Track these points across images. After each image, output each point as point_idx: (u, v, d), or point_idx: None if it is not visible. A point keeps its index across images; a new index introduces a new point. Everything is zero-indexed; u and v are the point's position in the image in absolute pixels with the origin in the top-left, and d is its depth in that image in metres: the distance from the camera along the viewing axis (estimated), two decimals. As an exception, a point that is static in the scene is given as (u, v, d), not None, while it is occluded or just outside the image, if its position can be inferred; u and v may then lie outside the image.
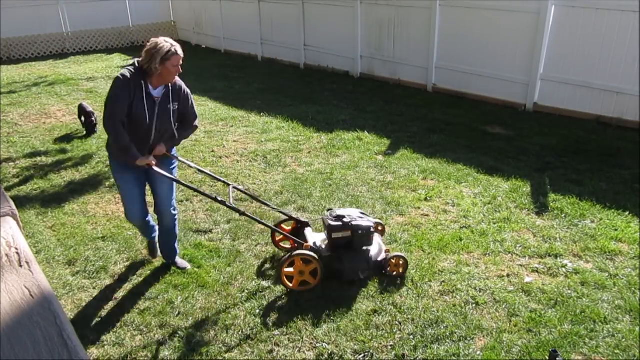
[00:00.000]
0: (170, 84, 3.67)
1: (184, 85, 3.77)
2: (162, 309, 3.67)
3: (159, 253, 4.29)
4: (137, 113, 3.52)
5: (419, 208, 5.00)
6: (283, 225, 4.37)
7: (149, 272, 4.14)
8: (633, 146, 6.33)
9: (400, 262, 3.91)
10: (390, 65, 9.87)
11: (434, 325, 3.41)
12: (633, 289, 3.70)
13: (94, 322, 3.57)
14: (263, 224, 4.07)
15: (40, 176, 6.14)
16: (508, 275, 3.92)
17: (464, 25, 8.44)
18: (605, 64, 7.00)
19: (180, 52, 3.59)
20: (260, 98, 9.30)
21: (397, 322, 3.46)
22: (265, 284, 3.92)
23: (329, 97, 9.19)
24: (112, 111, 3.47)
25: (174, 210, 4.07)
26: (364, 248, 3.86)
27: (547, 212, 4.82)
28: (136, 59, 3.68)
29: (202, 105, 8.98)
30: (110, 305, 3.75)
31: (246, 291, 3.84)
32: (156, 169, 3.65)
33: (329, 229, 3.79)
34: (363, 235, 3.79)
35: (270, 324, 3.48)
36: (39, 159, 6.73)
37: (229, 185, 4.11)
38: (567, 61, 7.37)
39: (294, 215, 4.33)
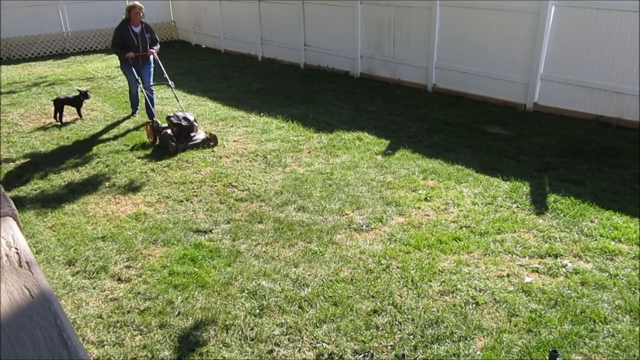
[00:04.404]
0: (142, 24, 7.72)
1: (150, 25, 7.90)
2: (162, 309, 3.67)
3: (137, 115, 8.47)
4: (128, 40, 7.60)
5: (419, 208, 5.00)
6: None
7: (149, 272, 4.14)
8: (633, 146, 6.33)
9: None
10: (390, 65, 9.87)
11: (434, 325, 3.41)
12: (633, 289, 3.70)
13: (94, 322, 3.57)
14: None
15: (40, 176, 6.14)
16: (508, 275, 3.92)
17: (464, 25, 8.44)
18: (605, 64, 7.00)
19: (137, 4, 7.59)
20: (260, 98, 9.30)
21: (397, 322, 3.46)
22: (265, 284, 3.92)
23: (329, 97, 9.19)
24: (114, 41, 7.78)
25: (152, 87, 8.12)
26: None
27: (547, 212, 4.82)
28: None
29: (202, 105, 8.98)
30: (110, 305, 3.75)
31: (246, 291, 3.84)
32: (132, 57, 7.66)
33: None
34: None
35: (270, 324, 3.48)
36: (39, 159, 6.73)
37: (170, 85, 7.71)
38: (567, 61, 7.37)
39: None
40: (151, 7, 16.02)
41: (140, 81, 7.66)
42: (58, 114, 8.17)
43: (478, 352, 3.18)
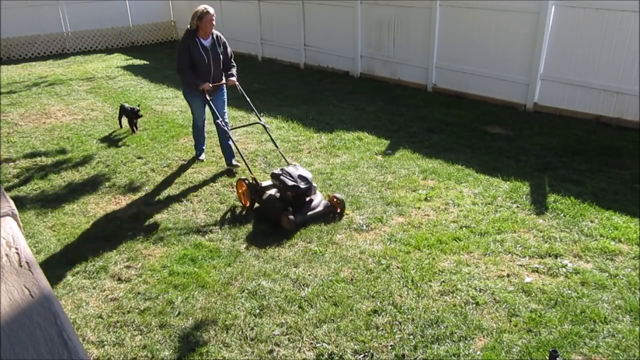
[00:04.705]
0: (213, 35, 5.70)
1: (222, 36, 5.88)
2: (162, 309, 3.67)
3: (203, 156, 6.46)
4: (197, 58, 5.61)
5: (419, 208, 5.00)
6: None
7: (149, 272, 4.14)
8: (633, 146, 6.33)
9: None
10: (390, 65, 9.87)
11: (434, 325, 3.41)
12: (633, 289, 3.70)
13: (94, 322, 3.57)
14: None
15: (40, 176, 6.14)
16: (508, 275, 3.92)
17: (464, 25, 8.44)
18: (605, 64, 7.00)
19: (210, 10, 5.52)
20: (260, 98, 9.29)
21: (397, 322, 3.46)
22: (265, 284, 3.92)
23: (329, 97, 9.19)
24: (179, 61, 5.66)
25: (226, 118, 6.00)
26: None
27: (547, 212, 4.82)
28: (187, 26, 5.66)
29: (202, 105, 8.98)
30: (110, 305, 3.75)
31: (246, 291, 3.84)
32: (208, 89, 5.67)
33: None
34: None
35: (270, 324, 3.48)
36: (39, 159, 6.73)
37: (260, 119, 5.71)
38: (567, 61, 7.37)
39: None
40: (151, 7, 16.10)
41: (214, 113, 5.72)
42: (123, 121, 7.74)
43: (478, 352, 3.18)
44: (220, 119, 5.68)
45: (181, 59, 5.59)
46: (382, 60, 10.01)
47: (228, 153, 6.08)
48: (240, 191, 5.22)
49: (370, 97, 9.03)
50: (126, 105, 7.67)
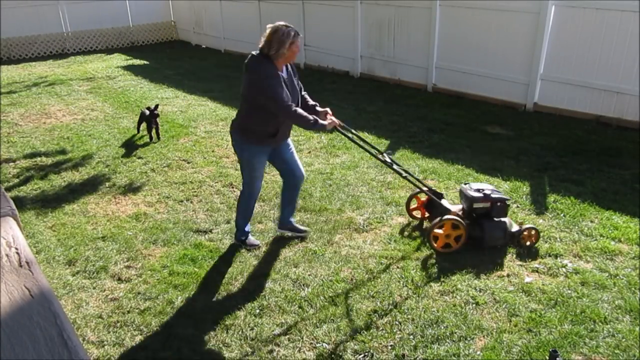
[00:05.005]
0: (288, 64, 4.06)
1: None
2: (162, 309, 3.67)
3: (255, 240, 4.52)
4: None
5: (419, 208, 4.99)
6: (418, 196, 4.67)
7: (149, 272, 4.14)
8: (633, 146, 6.33)
9: (532, 233, 4.21)
10: (390, 65, 9.87)
11: (434, 325, 3.41)
12: (633, 289, 3.70)
13: (94, 322, 3.57)
14: (415, 182, 4.48)
15: (40, 176, 6.14)
16: (508, 275, 3.92)
17: (464, 25, 8.44)
18: (605, 64, 7.00)
19: (299, 33, 3.90)
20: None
21: (397, 322, 3.46)
22: (265, 284, 3.92)
23: (329, 97, 9.18)
24: (284, 100, 3.81)
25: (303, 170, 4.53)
26: (501, 219, 4.20)
27: (547, 212, 4.82)
28: (254, 52, 3.95)
29: (202, 105, 8.98)
30: (110, 305, 3.75)
31: (246, 291, 3.84)
32: (339, 124, 4.25)
33: (471, 200, 4.17)
34: (501, 207, 4.18)
35: (270, 324, 3.48)
36: (39, 159, 6.73)
37: (381, 153, 4.53)
38: (567, 61, 7.37)
39: (428, 187, 4.57)
40: (151, 7, 16.10)
41: (286, 163, 4.42)
42: (145, 127, 7.27)
43: (478, 352, 3.18)
44: (301, 175, 4.49)
45: (282, 92, 3.81)
46: (382, 60, 10.01)
47: (291, 209, 4.59)
48: (415, 206, 4.66)
49: (370, 97, 9.03)
50: (147, 112, 7.04)
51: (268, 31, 3.81)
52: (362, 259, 4.19)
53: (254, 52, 3.93)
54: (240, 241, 4.43)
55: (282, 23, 3.85)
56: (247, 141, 4.08)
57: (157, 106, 7.14)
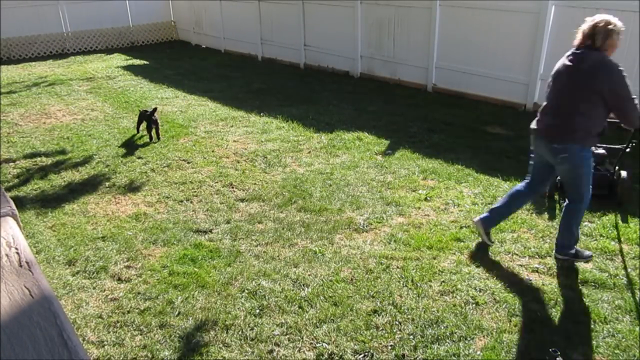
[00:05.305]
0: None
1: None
2: (162, 309, 3.67)
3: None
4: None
5: (419, 208, 5.00)
6: None
7: (149, 272, 4.14)
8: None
9: None
10: (390, 65, 9.87)
11: (434, 325, 3.41)
12: (633, 289, 3.70)
13: (94, 322, 3.57)
14: None
15: (40, 176, 6.14)
16: (508, 275, 3.92)
17: (464, 25, 8.44)
18: (605, 64, 6.99)
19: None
20: (260, 98, 9.30)
21: (397, 322, 3.46)
22: (265, 284, 3.92)
23: (329, 97, 9.19)
24: (630, 95, 3.55)
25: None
26: None
27: (547, 212, 4.82)
28: (577, 45, 3.89)
29: (202, 105, 8.98)
30: (110, 305, 3.75)
31: (246, 291, 3.84)
32: None
33: None
34: None
35: (270, 324, 3.48)
36: (39, 159, 6.73)
37: None
38: (567, 61, 7.36)
39: None
40: (151, 7, 16.11)
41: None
42: (145, 127, 7.24)
43: (478, 352, 3.18)
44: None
45: (630, 91, 3.57)
46: (382, 60, 10.01)
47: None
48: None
49: (370, 97, 9.03)
50: (147, 112, 7.08)
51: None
52: (362, 259, 4.19)
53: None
54: (580, 255, 3.98)
55: (603, 16, 3.93)
56: (582, 147, 3.73)
57: (155, 110, 7.09)
